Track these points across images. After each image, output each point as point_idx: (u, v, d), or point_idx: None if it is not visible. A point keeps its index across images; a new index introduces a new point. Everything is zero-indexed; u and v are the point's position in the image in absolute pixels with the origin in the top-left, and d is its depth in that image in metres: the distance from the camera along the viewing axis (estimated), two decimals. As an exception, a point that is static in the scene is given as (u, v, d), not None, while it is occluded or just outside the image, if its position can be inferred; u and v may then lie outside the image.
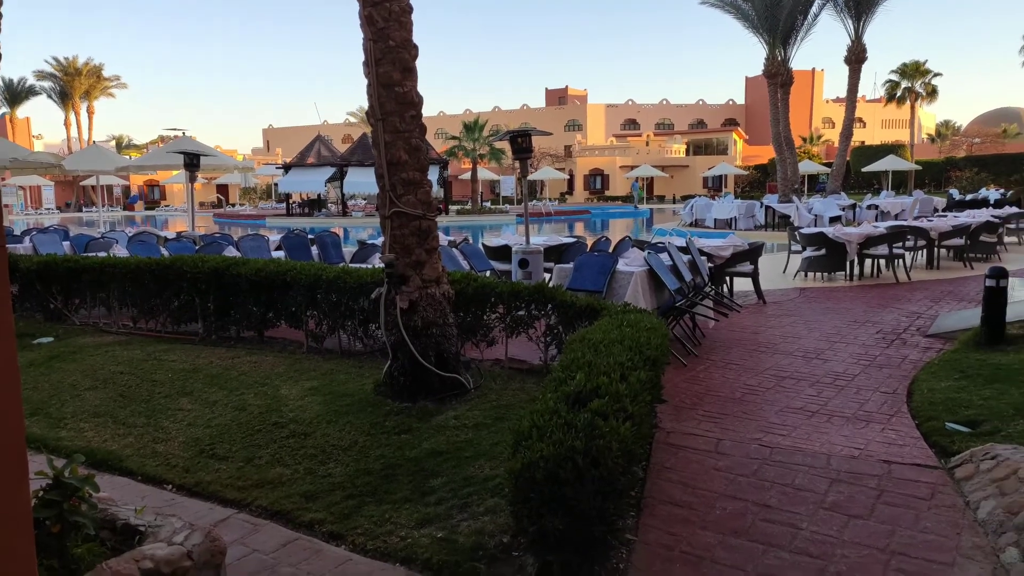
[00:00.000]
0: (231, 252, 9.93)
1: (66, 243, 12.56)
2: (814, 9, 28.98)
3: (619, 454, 3.21)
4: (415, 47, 5.17)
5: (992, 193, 29.93)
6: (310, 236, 11.64)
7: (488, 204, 47.91)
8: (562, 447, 3.14)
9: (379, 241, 10.36)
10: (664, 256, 7.55)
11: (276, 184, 48.58)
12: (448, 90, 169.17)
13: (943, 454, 4.49)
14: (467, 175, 46.58)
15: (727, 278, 10.09)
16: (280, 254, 10.42)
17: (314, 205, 41.56)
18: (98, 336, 8.22)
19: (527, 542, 3.32)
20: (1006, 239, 17.24)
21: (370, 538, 3.58)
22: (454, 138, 43.82)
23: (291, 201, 42.98)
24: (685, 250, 8.20)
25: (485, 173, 48.60)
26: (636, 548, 3.52)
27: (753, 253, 9.85)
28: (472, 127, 42.27)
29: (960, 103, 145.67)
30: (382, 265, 5.40)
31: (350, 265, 8.23)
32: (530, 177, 56.31)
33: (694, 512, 3.86)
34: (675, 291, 7.07)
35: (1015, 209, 19.91)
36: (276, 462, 4.50)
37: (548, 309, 6.01)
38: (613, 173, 59.87)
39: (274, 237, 12.07)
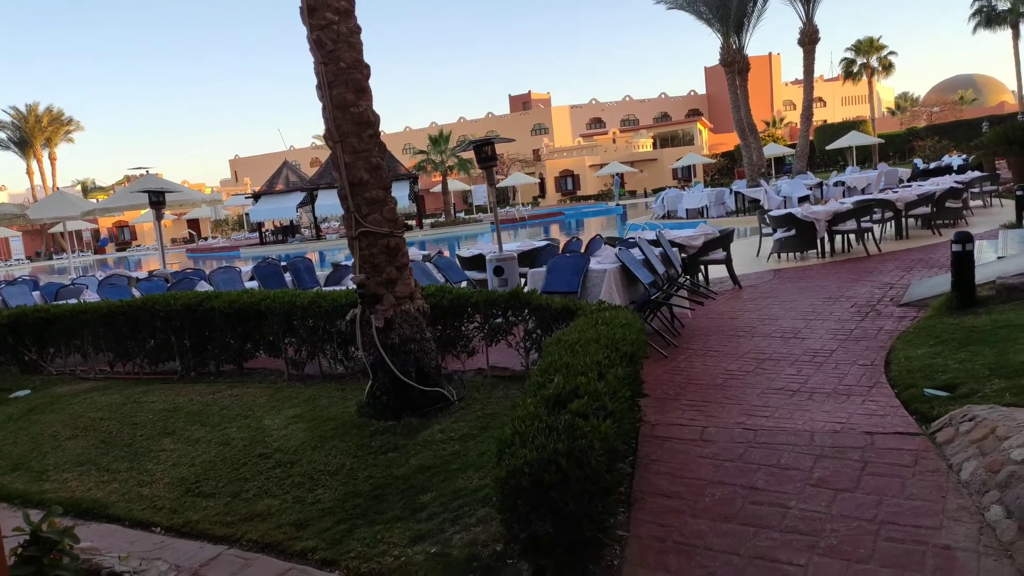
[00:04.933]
0: (203, 287, 9.85)
1: (36, 293, 12.37)
2: (762, -4, 29.39)
3: (602, 452, 3.22)
4: (367, 67, 5.17)
5: (955, 159, 30.50)
6: (283, 263, 11.58)
7: (462, 215, 47.92)
8: (545, 451, 3.15)
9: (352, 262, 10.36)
10: (635, 251, 7.59)
11: (247, 214, 48.28)
12: (413, 105, 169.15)
13: (924, 420, 4.55)
14: (438, 188, 46.61)
15: (701, 267, 10.17)
16: (254, 284, 10.35)
17: (287, 231, 41.33)
18: (75, 384, 8.10)
19: (519, 549, 3.32)
20: (971, 203, 17.54)
21: (364, 561, 3.56)
22: (422, 152, 43.85)
23: (264, 230, 42.70)
24: (656, 243, 8.26)
25: (456, 184, 48.62)
26: (629, 543, 3.53)
27: (725, 240, 9.93)
28: (439, 140, 42.31)
29: (916, 74, 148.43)
30: (355, 286, 5.38)
31: (324, 288, 8.19)
32: (501, 184, 56.43)
33: (684, 502, 3.89)
34: (649, 285, 7.12)
35: (978, 173, 20.24)
36: (264, 494, 4.46)
37: (525, 314, 6.02)
38: (583, 173, 60.17)
39: (247, 268, 11.99)
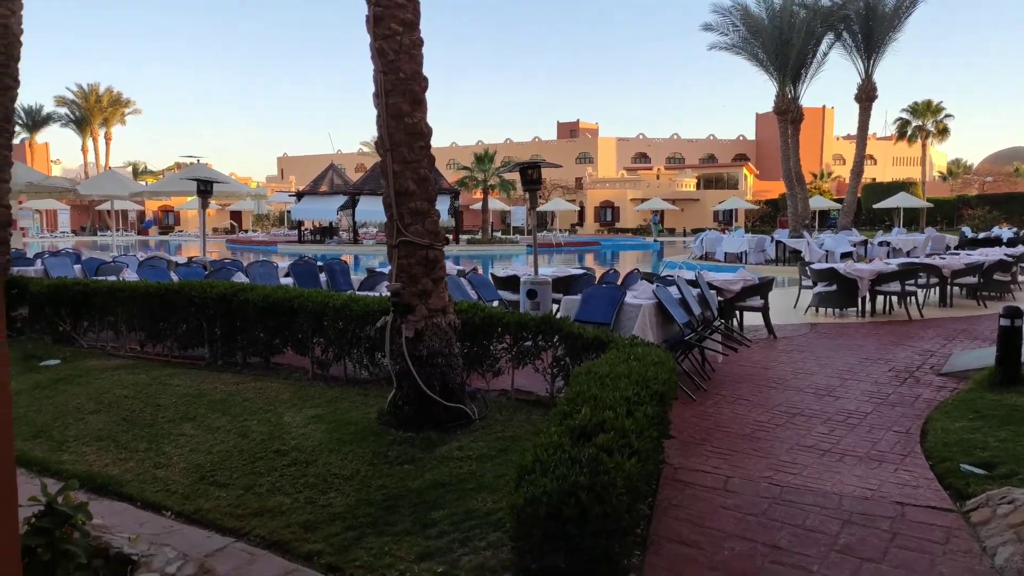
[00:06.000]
0: (240, 278, 9.96)
1: (77, 266, 12.64)
2: (823, 48, 29.25)
3: (624, 491, 3.14)
4: (425, 79, 5.20)
5: (1005, 231, 29.78)
6: (319, 263, 11.67)
7: (498, 234, 48.07)
8: (566, 482, 3.07)
9: (388, 269, 10.39)
10: (673, 289, 7.49)
11: (289, 211, 49.01)
12: (461, 122, 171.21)
13: (958, 497, 4.37)
14: (478, 205, 46.89)
15: (737, 312, 10.01)
16: (289, 281, 10.44)
17: (326, 232, 41.82)
18: (105, 359, 8.21)
19: (529, 580, 3.23)
20: (1020, 278, 17.08)
21: (369, 571, 3.50)
22: (465, 168, 44.18)
23: (303, 228, 43.28)
24: (694, 283, 8.15)
25: (496, 203, 48.87)
26: (641, 588, 3.42)
27: (763, 287, 9.78)
28: (483, 158, 42.62)
29: (971, 142, 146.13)
30: (388, 294, 5.37)
31: (357, 293, 8.22)
32: (541, 208, 56.61)
33: (702, 552, 3.76)
34: (684, 325, 7.01)
35: (1028, 248, 19.72)
36: (276, 491, 4.43)
37: (555, 340, 5.96)
38: (624, 205, 60.06)
39: (283, 264, 12.11)
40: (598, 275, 9.79)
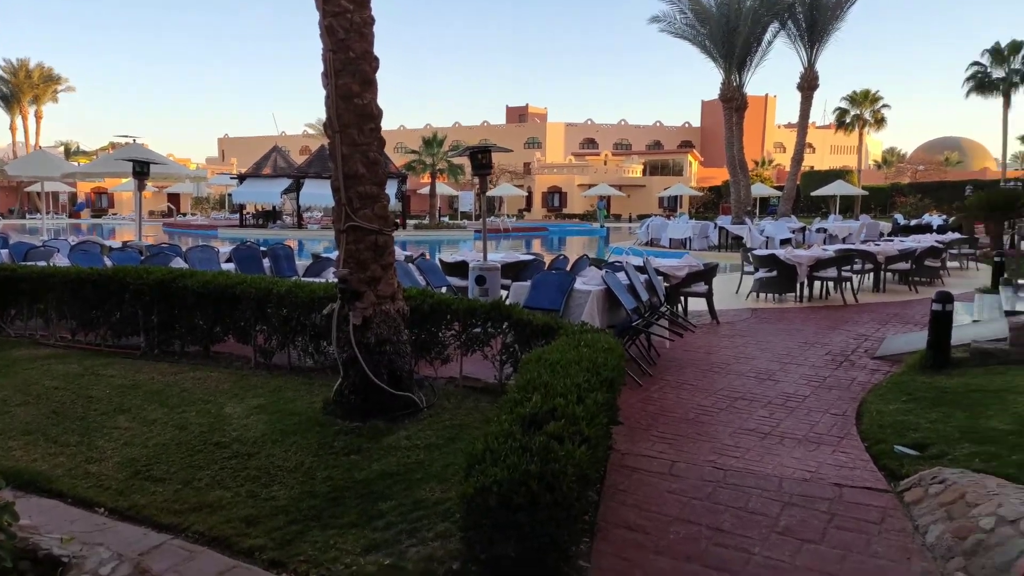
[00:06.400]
0: (179, 263, 9.63)
1: (4, 251, 12.04)
2: (768, 36, 29.76)
3: (574, 479, 3.14)
4: (376, 59, 5.08)
5: (935, 219, 30.98)
6: (262, 248, 11.38)
7: (446, 219, 47.76)
8: (516, 471, 3.06)
9: (334, 255, 10.20)
10: (621, 275, 7.55)
11: (230, 194, 47.66)
12: (409, 105, 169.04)
13: (892, 477, 4.53)
14: (426, 190, 46.43)
15: (682, 298, 10.16)
16: (230, 266, 10.15)
17: (269, 217, 40.85)
18: (33, 349, 7.85)
19: (478, 570, 3.22)
20: (949, 264, 17.78)
21: (313, 566, 3.43)
22: (413, 152, 43.64)
23: (245, 212, 42.16)
24: (642, 269, 8.22)
25: (444, 188, 48.47)
26: (589, 575, 3.44)
27: (708, 274, 9.94)
28: (432, 142, 42.17)
29: (905, 131, 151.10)
30: (336, 280, 5.25)
31: (303, 279, 8.03)
32: (489, 193, 56.41)
33: (648, 537, 3.81)
34: (631, 310, 7.07)
35: (957, 235, 20.57)
36: (216, 484, 4.31)
37: (504, 327, 5.93)
38: (571, 191, 60.34)
39: (225, 249, 11.77)
40: (548, 261, 9.79)
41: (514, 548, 3.07)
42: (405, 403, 5.32)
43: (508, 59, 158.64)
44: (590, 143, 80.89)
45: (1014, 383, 6.16)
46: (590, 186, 57.82)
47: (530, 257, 10.28)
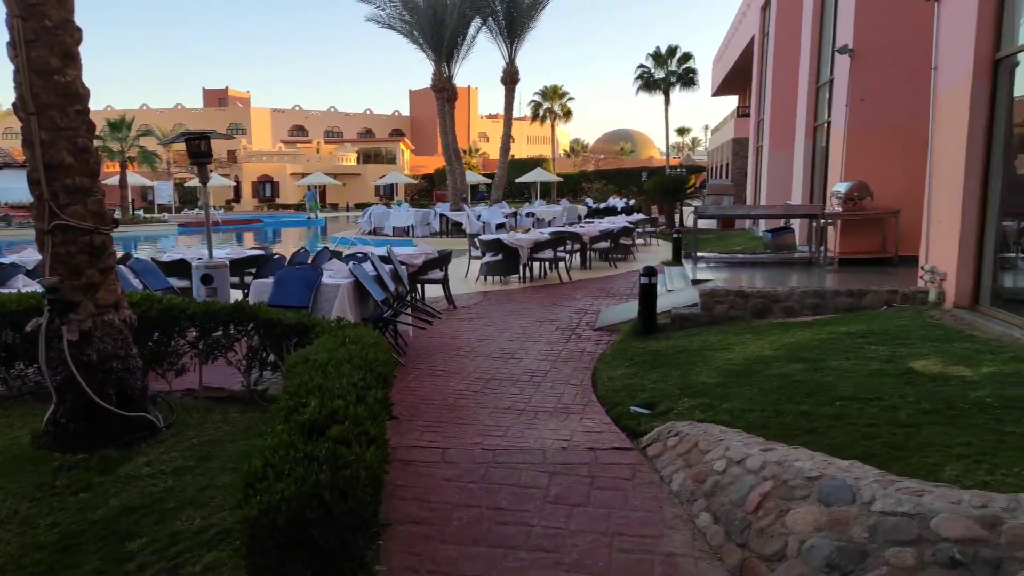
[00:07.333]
0: None
1: None
2: (472, 31, 31.18)
3: (368, 482, 3.03)
4: (79, 30, 4.31)
5: (618, 202, 35.16)
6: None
7: (141, 213, 42.76)
8: (306, 483, 2.86)
9: (26, 258, 8.58)
10: (367, 266, 7.41)
11: None
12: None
13: (634, 435, 5.06)
14: (114, 180, 41.03)
15: (419, 285, 10.30)
16: None
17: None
18: None
19: (267, 597, 2.96)
20: (637, 241, 20.33)
21: (58, 631, 2.89)
22: (96, 137, 38.29)
23: None
24: (387, 260, 8.16)
25: (136, 178, 43.31)
26: (383, 577, 3.36)
27: (443, 260, 10.20)
28: (119, 125, 37.41)
29: (589, 123, 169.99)
30: (41, 290, 4.41)
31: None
32: (190, 183, 51.69)
33: (433, 527, 3.82)
34: (381, 301, 6.99)
35: (643, 216, 23.56)
36: None
37: (250, 329, 5.49)
38: (284, 180, 57.72)
39: None
40: (289, 256, 9.24)
41: (308, 565, 2.88)
42: (140, 425, 4.68)
43: (204, 38, 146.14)
44: (299, 130, 78.05)
45: (709, 341, 7.25)
46: (304, 175, 55.82)
47: (260, 252, 9.63)
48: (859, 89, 11.34)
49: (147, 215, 42.01)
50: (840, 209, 11.20)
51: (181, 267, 8.79)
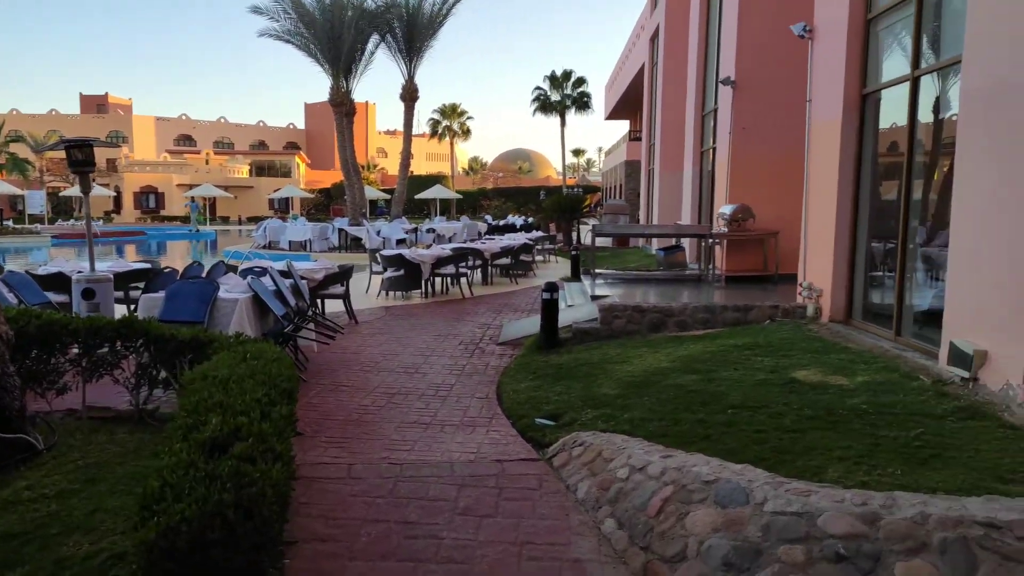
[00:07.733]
0: None
1: None
2: (370, 47, 30.98)
3: (274, 500, 2.96)
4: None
5: (518, 220, 35.67)
6: None
7: (10, 224, 39.61)
8: (208, 503, 2.76)
9: None
10: (266, 280, 7.20)
11: None
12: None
13: (539, 446, 5.15)
14: (-24, 187, 37.94)
15: (319, 300, 10.09)
16: None
17: None
18: None
19: (167, 623, 2.82)
20: (538, 258, 20.70)
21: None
22: (-45, 141, 35.34)
23: None
24: (287, 274, 7.95)
25: (5, 187, 40.16)
26: (290, 597, 3.27)
27: (344, 275, 10.04)
28: (-18, 129, 34.64)
29: (488, 142, 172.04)
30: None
31: None
32: (64, 192, 48.44)
33: (340, 544, 3.75)
34: (282, 316, 6.80)
35: (541, 233, 24.01)
36: None
37: (139, 345, 5.22)
38: (169, 191, 55.06)
39: None
40: (181, 269, 8.82)
41: (211, 588, 2.78)
42: (18, 447, 4.36)
43: (80, 40, 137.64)
44: (187, 140, 74.79)
45: (609, 354, 7.49)
46: (192, 186, 53.47)
47: (147, 265, 9.15)
48: (741, 118, 12.08)
49: (17, 226, 38.98)
50: (726, 229, 11.84)
51: (59, 281, 8.23)
